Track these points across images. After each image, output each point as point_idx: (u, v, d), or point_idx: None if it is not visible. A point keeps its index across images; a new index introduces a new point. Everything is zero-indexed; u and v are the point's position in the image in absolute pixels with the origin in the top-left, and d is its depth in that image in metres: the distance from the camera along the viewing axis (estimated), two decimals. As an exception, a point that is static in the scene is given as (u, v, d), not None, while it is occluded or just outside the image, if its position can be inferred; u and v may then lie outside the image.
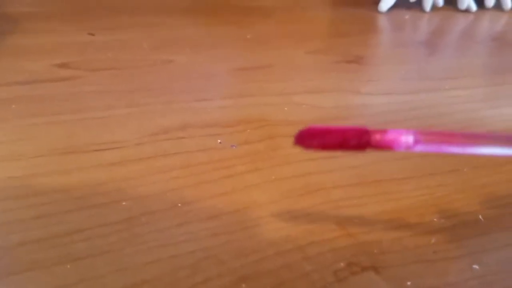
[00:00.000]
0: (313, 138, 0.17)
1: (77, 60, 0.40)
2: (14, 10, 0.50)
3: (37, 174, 0.25)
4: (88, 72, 0.38)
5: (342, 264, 0.21)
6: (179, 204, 0.24)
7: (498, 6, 0.60)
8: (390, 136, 0.17)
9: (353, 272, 0.20)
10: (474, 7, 0.59)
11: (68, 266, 0.20)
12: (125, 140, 0.29)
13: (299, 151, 0.28)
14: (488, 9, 0.60)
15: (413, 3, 0.58)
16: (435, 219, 0.24)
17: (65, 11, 0.51)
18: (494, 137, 0.17)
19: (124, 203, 0.23)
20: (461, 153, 0.17)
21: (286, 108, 0.33)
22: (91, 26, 0.47)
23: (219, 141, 0.29)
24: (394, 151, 0.17)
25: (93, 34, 0.45)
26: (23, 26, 0.46)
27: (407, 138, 0.17)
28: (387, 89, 0.38)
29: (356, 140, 0.17)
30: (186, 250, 0.21)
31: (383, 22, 0.56)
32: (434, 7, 0.59)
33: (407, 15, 0.57)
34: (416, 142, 0.17)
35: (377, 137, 0.17)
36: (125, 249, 0.21)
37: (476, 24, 0.56)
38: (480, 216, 0.24)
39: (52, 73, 0.37)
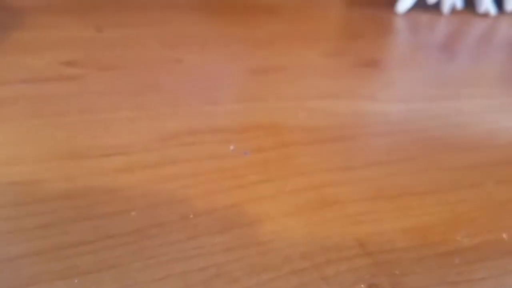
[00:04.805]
0: None
1: (84, 57, 0.38)
2: (20, 3, 0.49)
3: (39, 180, 0.24)
4: (95, 70, 0.36)
5: (363, 286, 0.19)
6: (190, 216, 0.22)
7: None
8: None
9: (374, 295, 0.19)
10: (493, 10, 0.57)
11: (75, 281, 0.19)
12: (132, 145, 0.27)
13: (312, 161, 0.28)
14: (508, 13, 0.59)
15: (431, 5, 0.57)
16: (458, 238, 0.22)
17: (73, 6, 0.50)
18: None
19: (132, 213, 0.22)
20: None
21: (299, 114, 0.32)
22: (99, 22, 0.46)
23: (231, 147, 0.28)
24: None
25: (100, 31, 0.44)
26: (29, 21, 0.45)
27: None
28: (403, 95, 0.36)
29: None
30: (198, 265, 0.20)
31: (400, 24, 0.54)
32: (453, 10, 0.58)
33: (424, 18, 0.55)
34: None
35: None
36: (133, 263, 0.20)
37: (495, 28, 0.55)
38: (504, 235, 0.23)
39: (57, 71, 0.36)
